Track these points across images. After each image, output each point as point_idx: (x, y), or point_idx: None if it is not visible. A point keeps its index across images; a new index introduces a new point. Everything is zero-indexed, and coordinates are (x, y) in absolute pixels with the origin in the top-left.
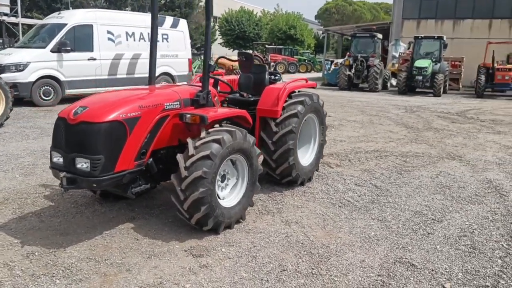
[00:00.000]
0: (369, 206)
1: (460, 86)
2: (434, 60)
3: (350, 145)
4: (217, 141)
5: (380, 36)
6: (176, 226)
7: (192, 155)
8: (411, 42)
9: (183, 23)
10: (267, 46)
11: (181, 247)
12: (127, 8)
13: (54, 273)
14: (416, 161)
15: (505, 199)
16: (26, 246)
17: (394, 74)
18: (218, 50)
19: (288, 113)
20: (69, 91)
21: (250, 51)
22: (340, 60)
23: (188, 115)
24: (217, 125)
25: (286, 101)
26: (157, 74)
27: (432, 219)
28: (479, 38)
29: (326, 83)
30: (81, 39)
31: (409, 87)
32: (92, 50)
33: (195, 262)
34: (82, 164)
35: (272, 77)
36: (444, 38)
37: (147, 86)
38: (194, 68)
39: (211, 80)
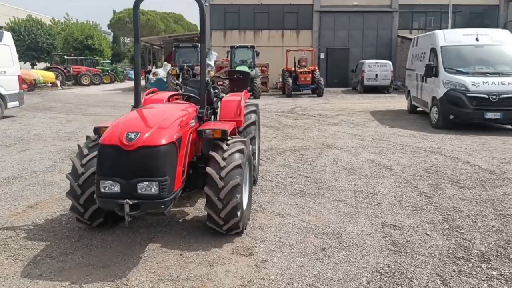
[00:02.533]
0: (320, 192)
1: (268, 88)
2: (249, 67)
3: None
4: (240, 151)
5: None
6: (196, 236)
7: (224, 166)
8: (229, 51)
9: (7, 36)
10: (66, 57)
11: (226, 251)
12: None
13: None
14: (309, 153)
15: (394, 172)
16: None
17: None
18: None
19: (248, 122)
20: None
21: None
22: (159, 70)
23: (208, 131)
24: (230, 137)
25: None
26: None
27: (370, 192)
28: (275, 46)
29: None
30: None
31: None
32: None
33: (252, 260)
34: (149, 187)
35: (216, 91)
36: (255, 47)
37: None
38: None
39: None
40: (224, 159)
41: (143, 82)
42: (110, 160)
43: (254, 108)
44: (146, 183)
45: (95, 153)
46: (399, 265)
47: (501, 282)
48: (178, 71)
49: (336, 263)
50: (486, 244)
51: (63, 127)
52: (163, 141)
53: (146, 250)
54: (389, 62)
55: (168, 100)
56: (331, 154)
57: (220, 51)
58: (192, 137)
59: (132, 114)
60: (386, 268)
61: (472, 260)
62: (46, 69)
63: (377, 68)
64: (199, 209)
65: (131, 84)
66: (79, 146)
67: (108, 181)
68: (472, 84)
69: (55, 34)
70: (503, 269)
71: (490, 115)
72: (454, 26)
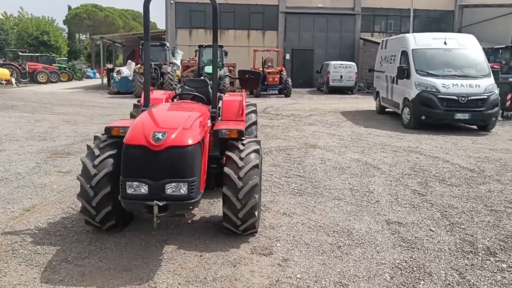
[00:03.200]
0: (318, 191)
1: (236, 88)
2: (219, 66)
3: None
4: (256, 151)
5: (168, 44)
6: (210, 237)
7: (243, 166)
8: (196, 50)
9: None
10: (20, 53)
11: (244, 251)
12: None
13: None
14: (295, 153)
15: (382, 171)
16: None
17: (178, 80)
18: None
19: (249, 122)
20: None
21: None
22: (123, 68)
23: (224, 130)
24: (244, 137)
25: None
26: None
27: (366, 191)
28: (242, 46)
29: (115, 92)
30: None
31: None
32: None
33: (274, 259)
34: (178, 188)
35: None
36: (224, 47)
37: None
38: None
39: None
40: (241, 159)
41: (105, 81)
42: (137, 160)
43: (254, 108)
44: (175, 184)
45: (108, 153)
46: (415, 260)
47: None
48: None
49: (355, 260)
50: (488, 239)
51: (33, 127)
52: (191, 141)
53: (164, 252)
54: (353, 63)
55: (172, 99)
56: (316, 154)
57: (186, 50)
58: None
59: (152, 113)
60: (404, 264)
61: (480, 254)
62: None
63: (342, 70)
64: (204, 210)
65: (90, 82)
66: (89, 146)
67: (135, 183)
68: (443, 86)
69: (8, 29)
70: (510, 262)
71: (459, 115)
72: (413, 30)
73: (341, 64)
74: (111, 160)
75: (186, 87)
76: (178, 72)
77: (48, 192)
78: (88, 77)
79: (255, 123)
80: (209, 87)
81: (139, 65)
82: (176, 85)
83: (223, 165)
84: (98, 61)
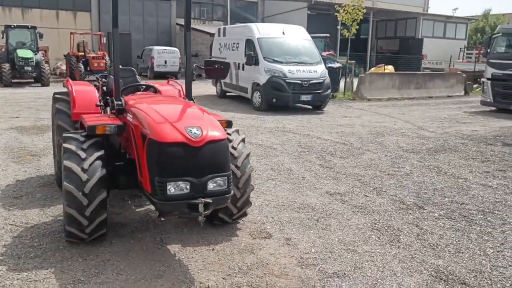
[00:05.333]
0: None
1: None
2: (32, 50)
3: None
4: (243, 140)
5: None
6: (197, 230)
7: (238, 156)
8: (3, 31)
9: None
10: None
11: (247, 238)
12: None
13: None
14: None
15: (279, 150)
16: None
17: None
18: None
19: None
20: None
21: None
22: None
23: None
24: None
25: None
26: None
27: (286, 169)
28: (50, 27)
29: None
30: None
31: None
32: None
33: (279, 241)
34: (218, 183)
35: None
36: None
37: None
38: None
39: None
40: (235, 148)
41: None
42: (177, 158)
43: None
44: (217, 179)
45: (96, 155)
46: (380, 222)
47: (445, 218)
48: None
49: (338, 228)
50: (408, 196)
51: None
52: (224, 135)
53: (175, 253)
54: (177, 49)
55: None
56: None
57: None
58: None
59: (165, 107)
60: (377, 225)
61: (414, 209)
62: None
63: (166, 55)
64: None
65: None
66: (68, 149)
67: (178, 182)
68: (289, 72)
69: None
70: (438, 212)
71: (304, 97)
72: (226, 19)
73: (164, 49)
74: (100, 162)
75: (111, 76)
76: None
77: None
78: None
79: None
80: (136, 77)
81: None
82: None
83: None
84: None
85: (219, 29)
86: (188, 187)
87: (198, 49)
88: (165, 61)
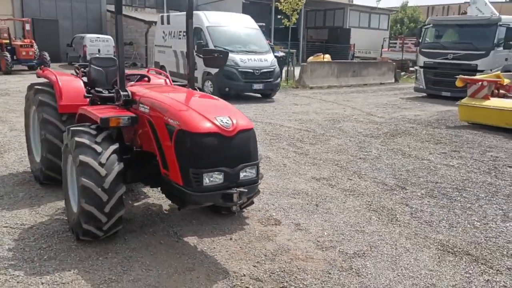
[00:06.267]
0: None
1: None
2: None
3: None
4: None
5: None
6: (206, 221)
7: None
8: None
9: None
10: None
11: (258, 225)
12: None
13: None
14: None
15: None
16: None
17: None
18: None
19: None
20: None
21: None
22: None
23: None
24: None
25: None
26: None
27: (265, 157)
28: None
29: None
30: None
31: None
32: None
33: (289, 227)
34: (249, 172)
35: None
36: None
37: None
38: None
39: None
40: None
41: None
42: (211, 149)
43: None
44: (248, 168)
45: (112, 148)
46: (373, 202)
47: (428, 197)
48: None
49: (339, 212)
50: (387, 178)
51: None
52: (251, 124)
53: (195, 245)
54: (110, 37)
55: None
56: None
57: None
58: None
59: (185, 98)
60: (372, 206)
61: (398, 189)
62: None
63: (100, 43)
64: (163, 198)
65: None
66: (81, 143)
67: (214, 173)
68: (241, 61)
69: None
70: (419, 191)
71: (256, 86)
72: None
73: (97, 37)
74: (116, 156)
75: (92, 66)
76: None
77: None
78: None
79: None
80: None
81: None
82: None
83: None
84: None
85: (161, 16)
86: (222, 177)
87: (132, 37)
88: (99, 50)
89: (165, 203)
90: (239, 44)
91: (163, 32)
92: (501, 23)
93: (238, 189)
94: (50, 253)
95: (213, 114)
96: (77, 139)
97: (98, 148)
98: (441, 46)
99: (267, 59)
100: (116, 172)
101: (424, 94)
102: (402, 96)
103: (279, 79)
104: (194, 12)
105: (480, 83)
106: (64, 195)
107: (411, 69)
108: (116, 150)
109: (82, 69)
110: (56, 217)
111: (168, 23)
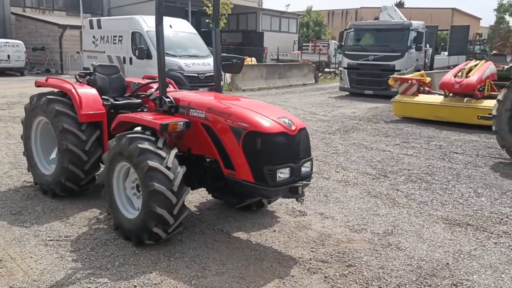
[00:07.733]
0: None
1: None
2: None
3: None
4: None
5: None
6: (229, 221)
7: None
8: None
9: None
10: None
11: (286, 218)
12: None
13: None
14: None
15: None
16: None
17: None
18: None
19: None
20: None
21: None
22: None
23: None
24: None
25: None
26: None
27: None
28: None
29: None
30: None
31: None
32: None
33: (315, 217)
34: (307, 167)
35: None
36: None
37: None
38: None
39: None
40: None
41: None
42: (282, 147)
43: None
44: (307, 162)
45: (174, 152)
46: (369, 190)
47: (410, 182)
48: None
49: (355, 201)
50: (368, 168)
51: None
52: (304, 123)
53: (248, 239)
54: (21, 42)
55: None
56: None
57: None
58: None
59: (237, 102)
60: (372, 193)
61: (381, 178)
62: None
63: (9, 49)
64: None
65: None
66: (145, 149)
67: (285, 169)
68: (186, 65)
69: None
70: (400, 178)
71: (202, 90)
72: (69, 9)
73: (6, 42)
74: (177, 160)
75: (97, 74)
76: None
77: None
78: None
79: None
80: (120, 73)
81: None
82: None
83: None
84: None
85: (90, 21)
86: (288, 172)
87: (44, 42)
88: (9, 56)
89: (190, 205)
90: (180, 48)
91: (94, 37)
92: (412, 28)
93: (304, 182)
94: (119, 260)
95: (275, 116)
96: (140, 145)
97: (163, 153)
98: (362, 49)
99: (210, 63)
100: (181, 174)
101: (347, 93)
102: (329, 95)
103: (221, 82)
104: (132, 16)
105: (409, 81)
106: (108, 205)
107: (326, 70)
108: (176, 154)
109: (88, 77)
110: (95, 226)
111: (99, 27)
